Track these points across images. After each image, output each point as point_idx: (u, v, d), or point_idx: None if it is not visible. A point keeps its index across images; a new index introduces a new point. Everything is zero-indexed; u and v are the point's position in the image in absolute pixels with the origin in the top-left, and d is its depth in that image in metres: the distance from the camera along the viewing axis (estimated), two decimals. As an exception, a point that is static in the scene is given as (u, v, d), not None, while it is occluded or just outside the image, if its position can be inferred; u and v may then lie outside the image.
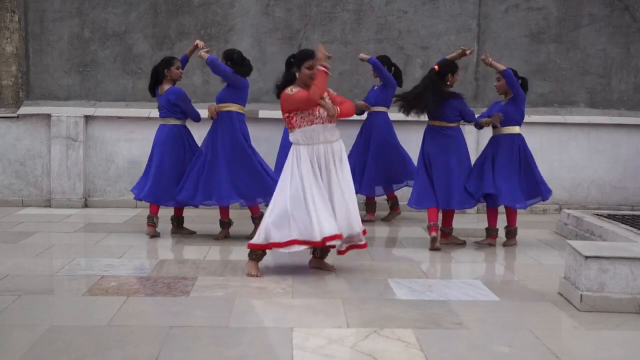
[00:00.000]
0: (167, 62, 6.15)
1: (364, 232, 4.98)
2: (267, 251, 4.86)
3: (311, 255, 5.13)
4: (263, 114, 7.94)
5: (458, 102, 5.85)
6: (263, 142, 7.84)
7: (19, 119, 7.90)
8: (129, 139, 7.89)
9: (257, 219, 6.06)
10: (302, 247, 4.74)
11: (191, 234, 6.31)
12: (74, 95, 8.05)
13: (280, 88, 5.19)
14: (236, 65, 5.98)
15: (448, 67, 5.88)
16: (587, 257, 4.12)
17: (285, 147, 6.66)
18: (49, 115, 7.85)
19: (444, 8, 8.16)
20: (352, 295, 4.43)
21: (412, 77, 8.09)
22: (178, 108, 6.12)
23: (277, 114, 7.86)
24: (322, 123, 4.75)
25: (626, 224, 5.96)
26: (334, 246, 4.82)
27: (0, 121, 7.87)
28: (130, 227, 6.61)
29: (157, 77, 6.15)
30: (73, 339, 3.50)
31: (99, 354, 3.31)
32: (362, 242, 4.95)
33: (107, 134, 7.94)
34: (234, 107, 6.01)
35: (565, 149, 8.22)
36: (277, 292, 4.44)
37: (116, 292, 4.35)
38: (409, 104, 5.90)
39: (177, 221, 6.32)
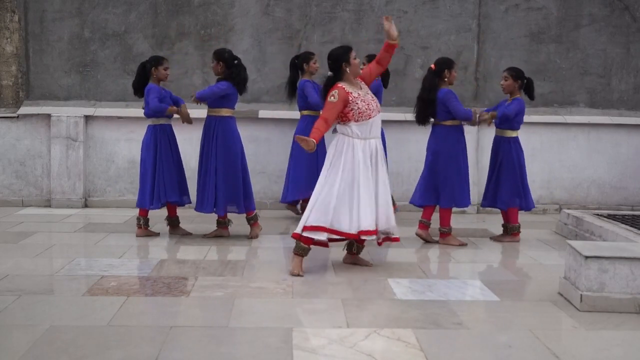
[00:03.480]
0: (156, 61, 6.04)
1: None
2: (311, 247, 4.91)
3: (345, 252, 5.22)
4: (263, 114, 7.94)
5: (442, 96, 5.82)
6: (263, 142, 7.86)
7: (19, 119, 7.90)
8: (129, 139, 7.89)
9: (252, 219, 6.11)
10: (325, 236, 4.79)
11: (187, 234, 6.27)
12: (74, 95, 8.05)
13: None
14: (228, 65, 5.89)
15: (445, 64, 5.92)
16: (587, 257, 4.12)
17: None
18: (49, 115, 7.85)
19: (444, 8, 8.16)
20: (352, 295, 4.43)
21: (412, 77, 8.11)
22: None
23: (277, 114, 7.94)
24: (377, 115, 4.90)
25: (626, 224, 5.96)
26: (363, 240, 5.00)
27: (0, 121, 7.87)
28: (130, 227, 6.60)
29: (144, 74, 6.01)
30: (73, 339, 3.50)
31: (99, 354, 3.31)
32: (396, 236, 5.07)
33: (107, 134, 7.94)
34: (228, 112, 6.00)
35: (565, 149, 8.22)
36: (277, 292, 4.44)
37: (116, 292, 4.35)
38: (420, 117, 6.02)
39: (171, 222, 6.28)
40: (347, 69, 4.86)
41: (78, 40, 8.00)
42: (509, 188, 6.04)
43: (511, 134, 6.08)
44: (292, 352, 3.37)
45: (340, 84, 4.84)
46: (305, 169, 6.80)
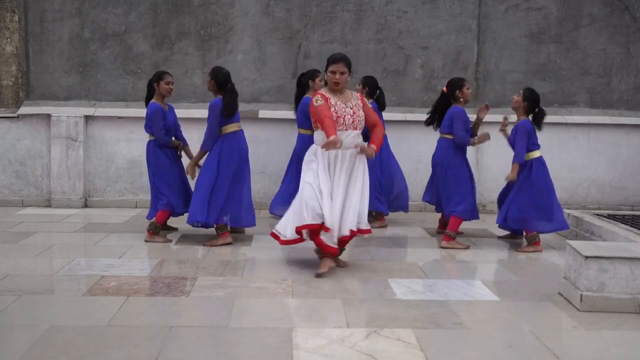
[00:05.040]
0: (158, 76, 6.01)
1: (369, 231, 5.11)
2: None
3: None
4: (263, 114, 7.94)
5: (453, 112, 5.98)
6: (263, 142, 7.86)
7: (19, 119, 7.90)
8: (129, 139, 7.89)
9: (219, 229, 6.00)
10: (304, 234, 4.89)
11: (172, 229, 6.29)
12: (74, 95, 8.05)
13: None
14: (220, 87, 5.79)
15: (454, 85, 6.03)
16: (587, 257, 4.12)
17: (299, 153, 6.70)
18: (49, 115, 7.85)
19: (444, 8, 8.16)
20: (352, 295, 4.43)
21: (412, 77, 8.11)
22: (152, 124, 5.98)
23: (277, 114, 7.94)
24: (346, 129, 4.84)
25: (626, 224, 5.96)
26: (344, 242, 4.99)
27: (0, 121, 7.88)
28: (130, 227, 6.61)
29: (151, 90, 6.06)
30: (73, 339, 3.50)
31: (99, 354, 3.31)
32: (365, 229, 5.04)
33: (107, 134, 7.94)
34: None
35: (565, 149, 8.22)
36: (277, 292, 4.44)
37: (116, 292, 4.35)
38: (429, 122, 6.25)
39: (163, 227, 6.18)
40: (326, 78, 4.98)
41: (78, 40, 8.00)
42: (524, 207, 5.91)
43: (532, 155, 5.89)
44: (292, 352, 3.37)
45: (321, 90, 4.94)
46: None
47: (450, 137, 6.02)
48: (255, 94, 7.95)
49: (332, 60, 4.91)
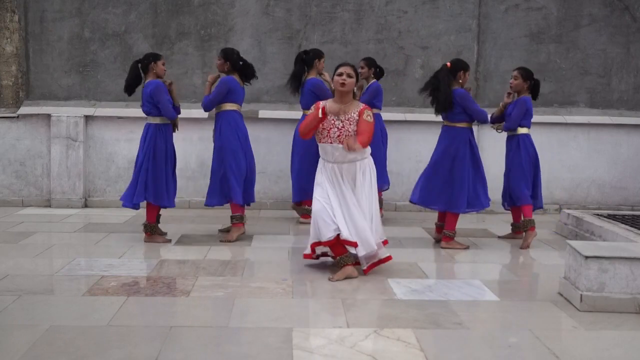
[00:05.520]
0: (154, 56, 5.88)
1: (385, 242, 5.05)
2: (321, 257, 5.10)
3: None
4: (263, 114, 7.94)
5: (460, 96, 5.69)
6: (263, 142, 7.86)
7: (19, 119, 7.90)
8: (129, 139, 7.89)
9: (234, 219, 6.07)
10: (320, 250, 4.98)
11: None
12: (74, 95, 8.05)
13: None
14: (234, 66, 5.95)
15: (461, 65, 5.77)
16: (587, 257, 4.12)
17: (298, 148, 6.77)
18: (49, 115, 7.85)
19: (444, 8, 8.16)
20: (352, 295, 4.43)
21: (412, 77, 8.11)
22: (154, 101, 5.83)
23: (277, 114, 7.94)
24: (330, 143, 4.80)
25: (626, 224, 5.96)
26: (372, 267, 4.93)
27: (0, 121, 7.88)
28: (130, 227, 6.61)
29: (138, 72, 5.86)
30: (73, 339, 3.50)
31: (99, 354, 3.31)
32: (384, 257, 4.96)
33: (107, 134, 7.94)
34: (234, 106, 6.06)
35: (565, 149, 8.22)
36: (277, 292, 4.44)
37: (116, 292, 4.35)
38: (441, 106, 5.81)
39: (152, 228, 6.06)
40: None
41: (78, 40, 8.00)
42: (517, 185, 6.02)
43: (520, 130, 6.07)
44: (292, 352, 3.37)
45: (323, 102, 4.84)
46: (306, 171, 6.65)
47: (462, 124, 5.79)
48: (255, 94, 7.95)
49: (341, 64, 4.92)
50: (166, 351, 3.35)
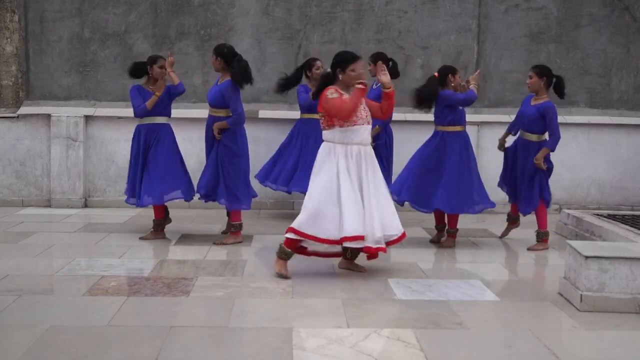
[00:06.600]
0: (152, 60, 6.04)
1: (404, 234, 4.94)
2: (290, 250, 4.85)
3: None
4: (263, 114, 7.94)
5: (443, 94, 5.75)
6: (263, 142, 7.85)
7: (19, 119, 7.90)
8: (129, 139, 7.76)
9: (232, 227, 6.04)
10: (320, 244, 4.80)
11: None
12: (74, 95, 8.05)
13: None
14: (227, 61, 5.73)
15: (447, 70, 5.88)
16: (587, 257, 4.12)
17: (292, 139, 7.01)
18: (49, 115, 7.85)
19: (444, 8, 8.16)
20: (352, 295, 4.43)
21: (412, 78, 8.10)
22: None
23: (277, 114, 7.94)
24: (362, 124, 4.75)
25: (626, 224, 5.96)
26: (359, 248, 4.77)
27: (0, 121, 7.87)
28: (130, 227, 6.60)
29: (137, 74, 6.09)
30: (73, 339, 3.50)
31: (99, 354, 3.31)
32: (397, 236, 4.88)
33: (107, 134, 7.94)
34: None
35: (565, 149, 8.20)
36: (277, 292, 4.44)
37: (116, 292, 4.35)
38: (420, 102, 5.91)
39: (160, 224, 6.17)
40: (340, 76, 4.77)
41: (78, 40, 8.00)
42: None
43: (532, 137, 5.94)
44: (292, 352, 3.37)
45: (332, 87, 4.77)
46: (292, 163, 7.02)
47: (449, 128, 5.83)
48: (255, 94, 7.94)
49: (352, 58, 4.77)
50: (166, 351, 3.35)
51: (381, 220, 4.74)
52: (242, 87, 5.74)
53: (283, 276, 4.75)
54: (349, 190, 4.66)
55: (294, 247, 4.81)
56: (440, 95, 5.80)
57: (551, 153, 5.93)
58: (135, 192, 6.01)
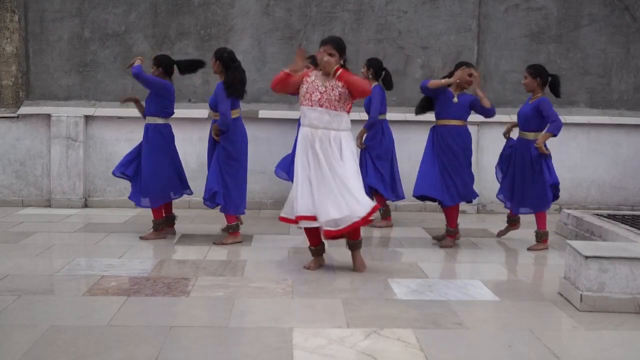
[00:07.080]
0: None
1: (369, 215, 4.77)
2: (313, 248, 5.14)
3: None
4: (263, 114, 7.94)
5: (476, 103, 5.91)
6: (263, 142, 7.85)
7: (19, 119, 7.90)
8: (129, 139, 7.87)
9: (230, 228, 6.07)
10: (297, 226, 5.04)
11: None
12: (74, 95, 8.05)
13: None
14: (226, 66, 5.76)
15: (456, 67, 5.93)
16: (587, 257, 4.12)
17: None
18: (49, 115, 7.85)
19: (444, 8, 8.16)
20: (352, 295, 4.43)
21: (412, 77, 8.11)
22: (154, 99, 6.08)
23: (277, 113, 7.94)
24: (311, 106, 4.83)
25: (626, 224, 5.96)
26: (335, 233, 4.77)
27: (0, 121, 7.88)
28: (130, 227, 6.61)
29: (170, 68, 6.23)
30: (73, 339, 3.50)
31: (99, 354, 3.31)
32: (359, 219, 4.75)
33: (107, 134, 7.94)
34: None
35: (565, 149, 8.22)
36: (277, 292, 4.44)
37: (116, 292, 4.35)
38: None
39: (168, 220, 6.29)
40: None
41: (78, 40, 8.00)
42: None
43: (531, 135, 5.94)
44: (292, 352, 3.37)
45: (312, 69, 5.03)
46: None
47: (448, 122, 5.88)
48: (255, 94, 7.94)
49: (322, 42, 4.94)
50: (166, 351, 3.35)
51: (336, 204, 4.71)
52: (229, 96, 5.74)
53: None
54: (299, 171, 4.88)
55: (308, 232, 5.02)
56: (473, 101, 5.87)
57: (551, 153, 5.92)
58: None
